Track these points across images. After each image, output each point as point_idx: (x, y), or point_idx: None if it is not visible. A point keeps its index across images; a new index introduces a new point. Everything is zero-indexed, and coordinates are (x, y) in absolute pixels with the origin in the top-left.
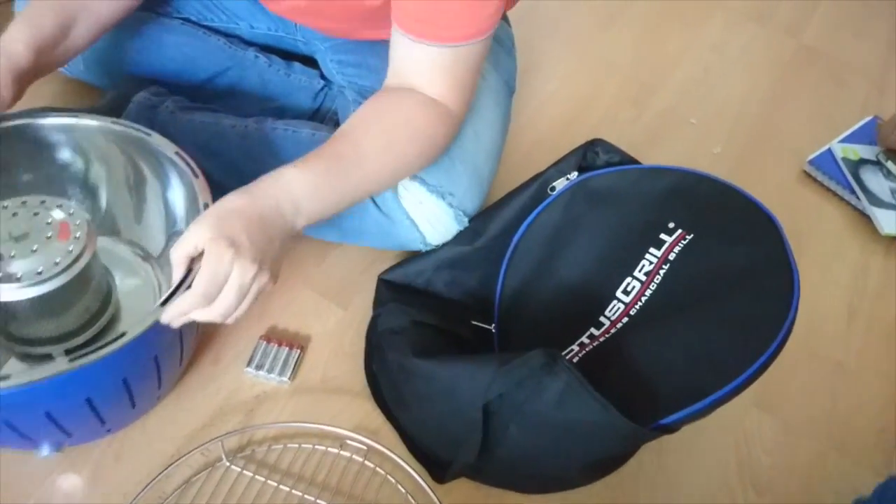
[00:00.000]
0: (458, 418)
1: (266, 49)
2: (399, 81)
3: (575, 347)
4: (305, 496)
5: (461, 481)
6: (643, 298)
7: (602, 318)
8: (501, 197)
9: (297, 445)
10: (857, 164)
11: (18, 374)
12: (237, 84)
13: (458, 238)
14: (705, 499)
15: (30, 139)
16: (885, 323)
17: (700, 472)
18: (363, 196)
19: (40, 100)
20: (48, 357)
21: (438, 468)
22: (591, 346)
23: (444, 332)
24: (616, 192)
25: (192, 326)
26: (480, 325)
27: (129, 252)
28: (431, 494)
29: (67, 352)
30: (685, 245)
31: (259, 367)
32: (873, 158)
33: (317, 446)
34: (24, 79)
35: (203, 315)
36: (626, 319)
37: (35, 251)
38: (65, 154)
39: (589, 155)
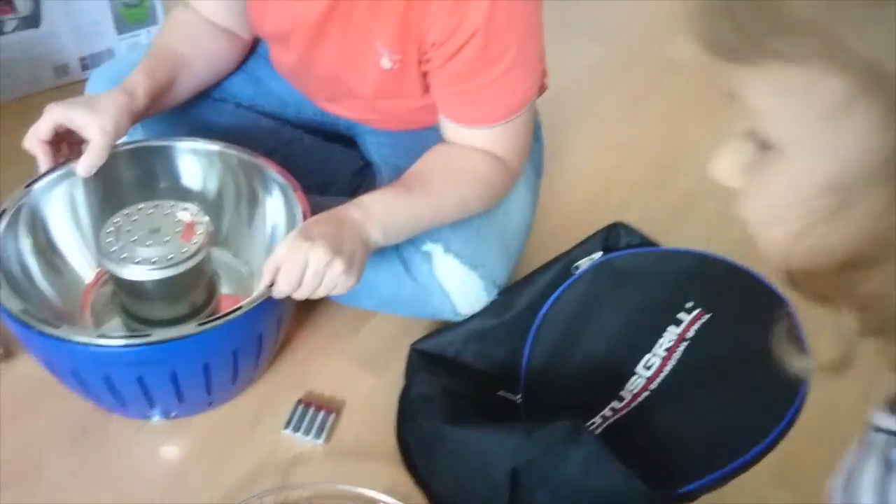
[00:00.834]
0: (486, 483)
1: (310, 130)
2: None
3: (598, 420)
4: None
5: None
6: (663, 374)
7: (624, 392)
8: (528, 273)
9: None
10: None
11: (158, 332)
12: (284, 162)
13: (487, 311)
14: None
15: (167, 156)
16: None
17: None
18: (428, 226)
19: None
20: None
21: None
22: (613, 419)
23: (473, 401)
24: (637, 273)
25: (278, 323)
26: (507, 395)
27: (234, 261)
28: None
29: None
30: (703, 324)
31: (296, 429)
32: None
33: None
34: (135, 118)
35: (297, 294)
36: (646, 393)
37: (165, 242)
38: (192, 170)
39: (612, 236)
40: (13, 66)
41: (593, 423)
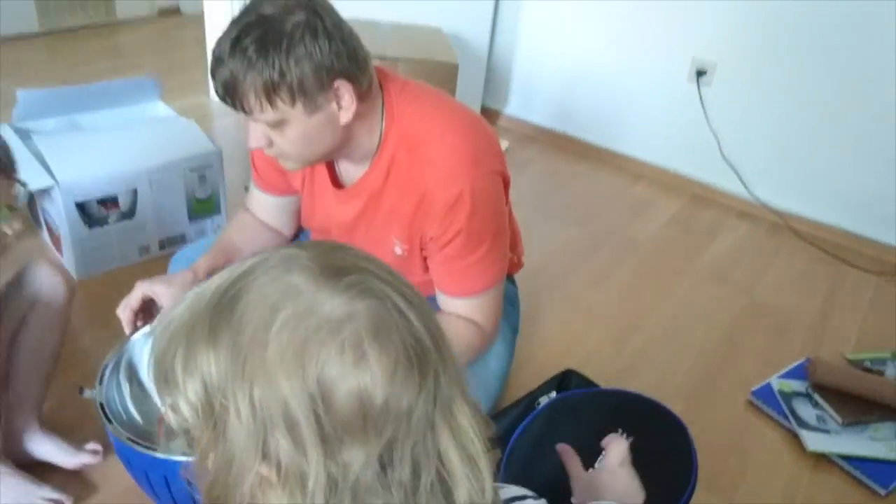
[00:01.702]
0: None
1: None
2: (447, 312)
3: None
4: None
5: None
6: None
7: None
8: (502, 409)
9: None
10: (790, 396)
11: None
12: None
13: None
14: None
15: None
16: None
17: None
18: None
19: None
20: None
21: None
22: None
23: None
24: (583, 407)
25: None
26: None
27: None
28: None
29: None
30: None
31: None
32: (804, 391)
33: None
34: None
35: None
36: None
37: None
38: None
39: (564, 379)
40: (109, 247)
41: None
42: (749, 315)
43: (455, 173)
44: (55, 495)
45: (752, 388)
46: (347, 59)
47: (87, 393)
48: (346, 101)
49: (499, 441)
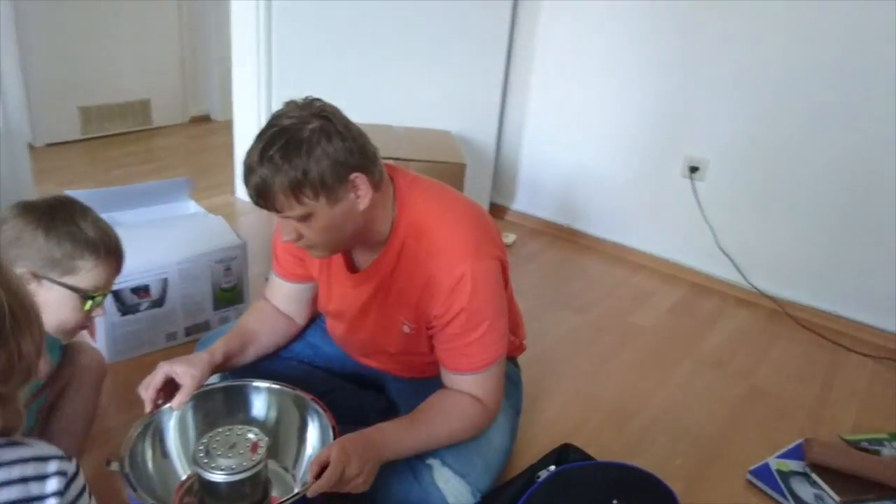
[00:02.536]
0: None
1: (350, 379)
2: (452, 389)
3: None
4: None
5: None
6: None
7: None
8: (504, 482)
9: None
10: (788, 475)
11: None
12: (330, 403)
13: None
14: None
15: (248, 393)
16: None
17: None
18: (426, 448)
19: None
20: None
21: None
22: None
23: None
24: (581, 480)
25: None
26: None
27: (283, 472)
28: None
29: None
30: None
31: None
32: (801, 470)
33: None
34: (214, 370)
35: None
36: None
37: (238, 455)
38: (263, 403)
39: (563, 454)
40: (139, 334)
41: None
42: (748, 399)
43: (458, 258)
44: None
45: (750, 468)
46: (359, 154)
47: (114, 465)
48: (362, 191)
49: None
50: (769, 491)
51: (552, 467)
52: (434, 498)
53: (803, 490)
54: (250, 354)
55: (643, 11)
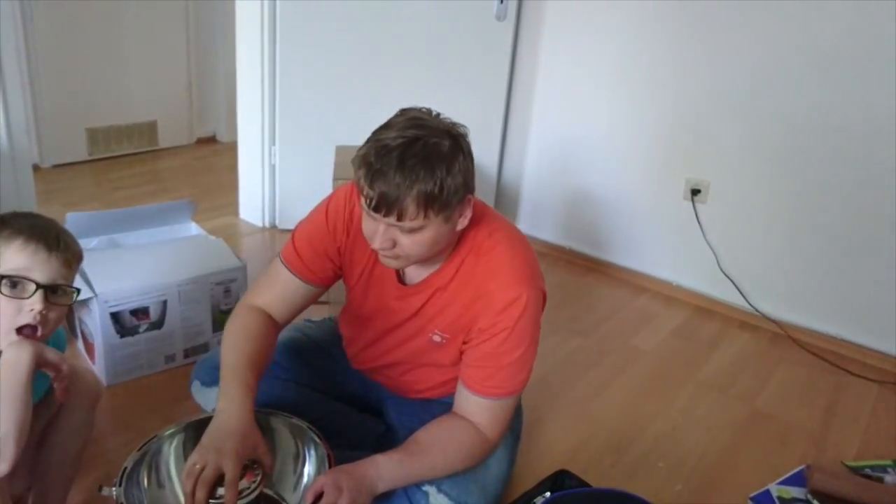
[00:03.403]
0: None
1: (349, 402)
2: (460, 413)
3: None
4: None
5: None
6: None
7: None
8: None
9: None
10: (790, 502)
11: None
12: (328, 427)
13: None
14: None
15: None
16: None
17: None
18: (420, 479)
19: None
20: None
21: None
22: None
23: None
24: None
25: None
26: None
27: (278, 498)
28: None
29: None
30: None
31: None
32: (802, 497)
33: None
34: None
35: None
36: None
37: None
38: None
39: (558, 480)
40: (138, 356)
41: None
42: (750, 424)
43: (516, 281)
44: None
45: (751, 495)
46: (474, 177)
47: (106, 491)
48: (467, 212)
49: None
50: None
51: (547, 494)
52: None
53: None
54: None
55: (646, 34)
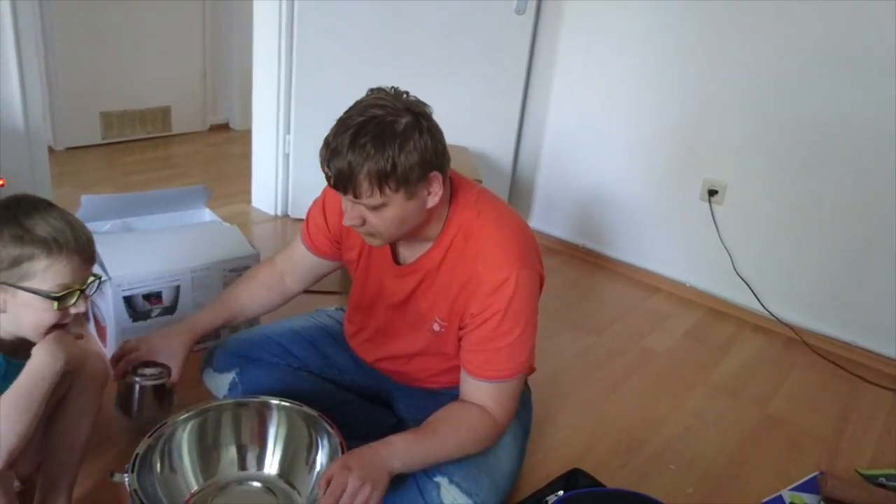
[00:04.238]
0: None
1: (359, 393)
2: (467, 399)
3: None
4: None
5: None
6: None
7: None
8: None
9: None
10: None
11: None
12: (339, 418)
13: None
14: None
15: (260, 409)
16: None
17: None
18: (434, 461)
19: None
20: None
21: None
22: None
23: None
24: None
25: None
26: None
27: (292, 491)
28: None
29: None
30: None
31: None
32: None
33: None
34: (198, 341)
35: None
36: None
37: None
38: (269, 420)
39: (571, 479)
40: None
41: None
42: (762, 428)
43: (504, 261)
44: None
45: (763, 500)
46: (441, 154)
47: (118, 477)
48: (435, 189)
49: None
50: None
51: (560, 493)
52: None
53: None
54: (240, 324)
55: (665, 32)
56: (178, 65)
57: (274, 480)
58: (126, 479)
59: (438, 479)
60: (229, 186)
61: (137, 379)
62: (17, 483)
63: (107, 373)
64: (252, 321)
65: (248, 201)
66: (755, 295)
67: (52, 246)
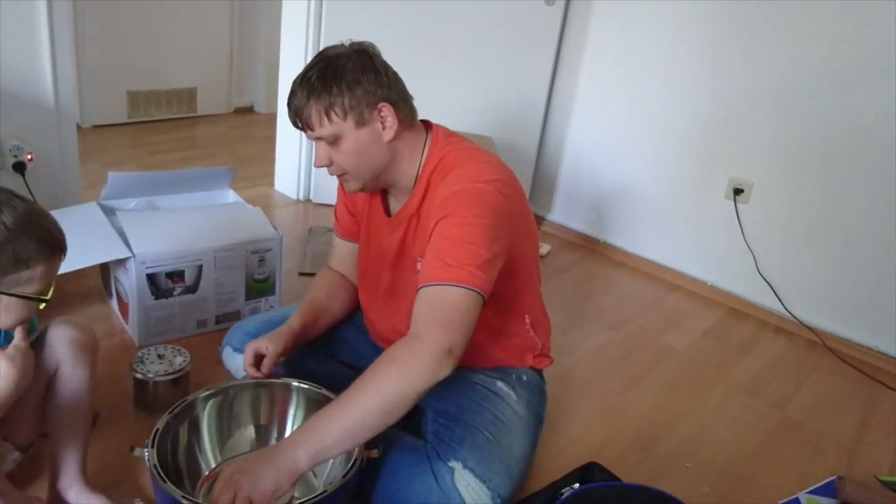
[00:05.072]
0: None
1: None
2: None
3: None
4: None
5: None
6: None
7: None
8: (526, 497)
9: None
10: None
11: None
12: None
13: None
14: None
15: (280, 389)
16: None
17: None
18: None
19: None
20: None
21: None
22: None
23: None
24: (605, 501)
25: None
26: None
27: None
28: None
29: None
30: None
31: None
32: None
33: None
34: (296, 341)
35: None
36: None
37: None
38: (287, 401)
39: (588, 472)
40: (171, 319)
41: None
42: (781, 431)
43: (464, 180)
44: None
45: (780, 502)
46: (389, 88)
47: (138, 452)
48: (388, 122)
49: None
50: None
51: (576, 485)
52: (454, 502)
53: None
54: (322, 326)
55: (696, 28)
56: (206, 47)
57: None
58: (146, 454)
59: (453, 463)
60: (253, 169)
61: (150, 375)
62: (16, 454)
63: (96, 340)
64: (337, 323)
65: (272, 184)
66: (777, 296)
67: (44, 253)
